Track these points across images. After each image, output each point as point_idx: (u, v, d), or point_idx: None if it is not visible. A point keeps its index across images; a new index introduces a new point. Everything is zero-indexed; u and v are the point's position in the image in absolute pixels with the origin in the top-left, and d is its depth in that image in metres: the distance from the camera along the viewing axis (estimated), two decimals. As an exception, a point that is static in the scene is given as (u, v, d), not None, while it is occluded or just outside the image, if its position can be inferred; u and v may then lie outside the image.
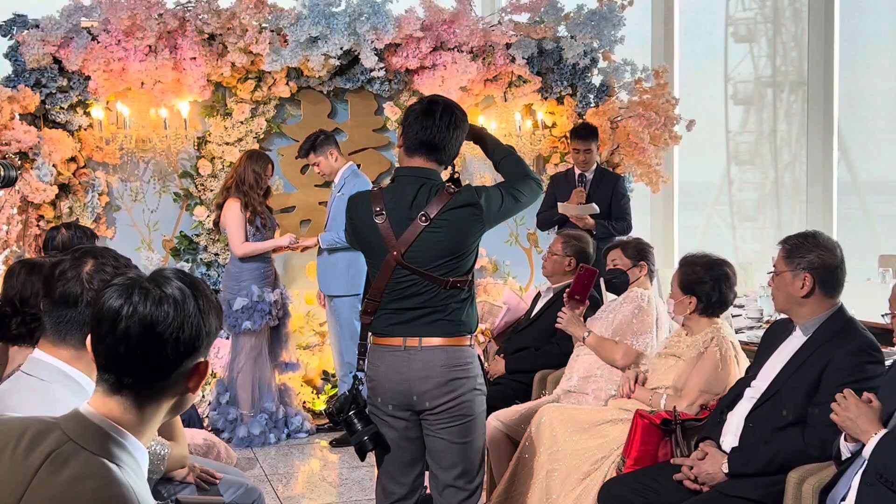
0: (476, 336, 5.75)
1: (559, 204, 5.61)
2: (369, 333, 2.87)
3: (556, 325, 3.90)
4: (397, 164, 2.89)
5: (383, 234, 2.76)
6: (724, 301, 3.43)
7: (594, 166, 5.83)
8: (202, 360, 1.53)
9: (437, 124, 2.77)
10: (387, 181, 6.09)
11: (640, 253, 3.98)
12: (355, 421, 2.83)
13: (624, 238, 4.08)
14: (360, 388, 2.90)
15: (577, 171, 5.80)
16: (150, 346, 1.45)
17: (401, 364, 2.80)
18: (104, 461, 1.42)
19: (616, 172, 6.06)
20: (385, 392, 2.83)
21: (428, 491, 3.86)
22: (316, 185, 6.01)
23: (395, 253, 2.74)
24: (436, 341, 2.79)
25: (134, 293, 1.46)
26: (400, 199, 2.78)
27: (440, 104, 2.81)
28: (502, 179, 2.99)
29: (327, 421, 5.66)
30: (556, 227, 5.75)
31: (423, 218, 2.73)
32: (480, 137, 3.04)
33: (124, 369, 1.47)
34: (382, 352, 2.84)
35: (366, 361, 2.88)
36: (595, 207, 5.53)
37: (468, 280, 2.82)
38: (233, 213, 5.19)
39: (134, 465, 1.47)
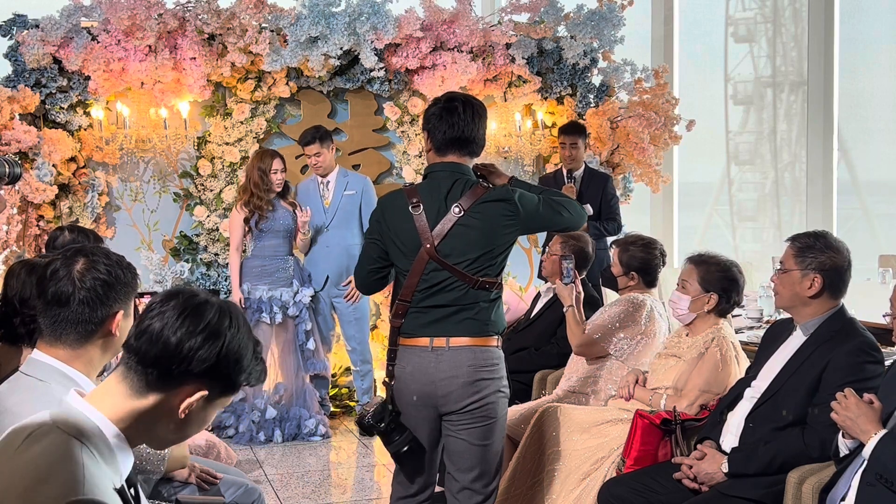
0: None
1: None
2: (399, 335, 2.86)
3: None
4: (426, 164, 2.93)
5: (418, 226, 2.77)
6: (739, 302, 3.45)
7: (582, 166, 5.84)
8: (202, 390, 1.56)
9: (462, 118, 2.81)
10: (388, 180, 6.16)
11: (633, 264, 3.85)
12: (392, 430, 2.83)
13: (629, 238, 4.01)
14: (393, 396, 2.87)
15: (566, 170, 5.80)
16: (155, 338, 1.54)
17: (427, 365, 2.79)
18: (70, 440, 1.47)
19: (605, 173, 6.05)
20: (410, 393, 2.82)
21: (439, 489, 3.89)
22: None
23: (428, 245, 2.75)
24: (464, 341, 2.78)
25: (173, 299, 1.58)
26: (435, 193, 2.80)
27: (459, 100, 2.85)
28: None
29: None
30: None
31: (458, 209, 2.75)
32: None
33: (130, 348, 1.56)
34: (409, 353, 2.82)
35: (395, 365, 2.85)
36: (588, 208, 5.52)
37: (497, 282, 2.83)
38: (234, 215, 5.37)
39: (107, 452, 1.51)
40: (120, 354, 1.77)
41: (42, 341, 2.03)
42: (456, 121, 2.80)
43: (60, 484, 1.41)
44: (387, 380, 2.88)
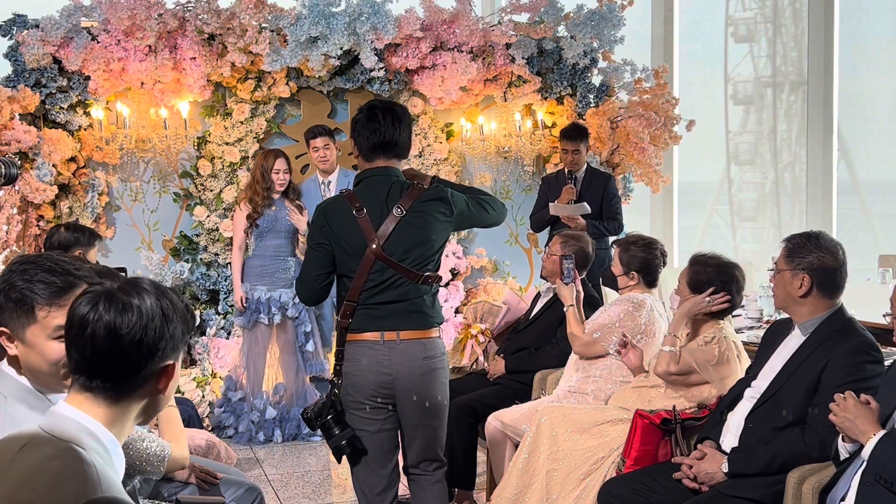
0: (476, 336, 5.80)
1: (550, 204, 5.60)
2: (347, 333, 2.99)
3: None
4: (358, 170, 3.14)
5: (363, 228, 2.92)
6: (731, 304, 3.41)
7: (584, 166, 5.81)
8: (171, 362, 1.60)
9: (382, 125, 2.97)
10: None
11: (634, 264, 3.85)
12: (333, 425, 2.96)
13: (630, 238, 4.00)
14: (336, 392, 3.00)
15: (567, 171, 5.79)
16: (113, 349, 1.54)
17: (383, 357, 2.94)
18: (71, 445, 1.50)
19: (606, 172, 6.05)
20: (368, 385, 2.95)
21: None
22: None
23: (374, 246, 2.91)
24: (413, 334, 2.96)
25: (100, 301, 1.55)
26: (375, 196, 2.97)
27: (378, 107, 3.01)
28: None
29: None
30: (550, 227, 5.75)
31: (399, 210, 2.93)
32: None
33: (93, 371, 1.55)
34: (362, 347, 2.95)
35: (344, 361, 2.98)
36: (586, 207, 5.51)
37: (439, 277, 3.04)
38: (237, 213, 5.42)
39: (103, 452, 1.54)
40: None
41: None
42: (377, 127, 2.96)
43: (76, 485, 1.43)
44: (333, 378, 3.01)
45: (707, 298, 3.33)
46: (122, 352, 1.53)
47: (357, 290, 2.93)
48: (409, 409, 2.99)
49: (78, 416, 1.55)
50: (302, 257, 5.54)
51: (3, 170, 3.16)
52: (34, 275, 1.93)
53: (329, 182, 5.57)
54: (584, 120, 6.23)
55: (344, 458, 3.01)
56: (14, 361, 1.97)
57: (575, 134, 5.72)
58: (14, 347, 1.94)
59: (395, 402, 2.99)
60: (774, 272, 3.02)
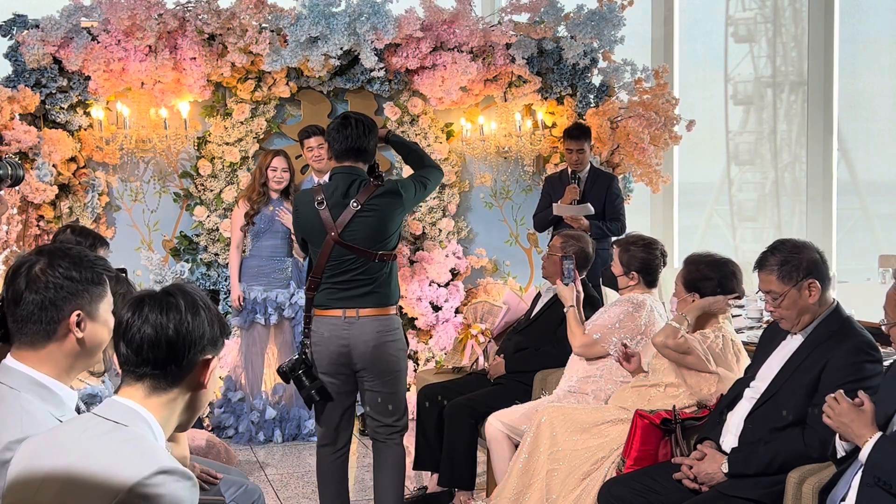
0: (476, 336, 5.80)
1: (554, 205, 5.60)
2: (313, 307, 3.50)
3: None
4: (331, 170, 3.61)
5: (323, 219, 3.42)
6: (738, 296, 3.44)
7: (588, 167, 5.81)
8: (210, 356, 1.77)
9: (354, 132, 3.44)
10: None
11: (634, 264, 3.85)
12: (304, 378, 3.48)
13: (630, 238, 4.00)
14: (307, 352, 3.52)
15: (571, 171, 5.79)
16: (158, 337, 1.72)
17: (342, 332, 3.45)
18: (124, 424, 1.69)
19: (610, 173, 6.04)
20: (329, 354, 3.47)
21: (434, 489, 3.93)
22: (316, 185, 6.02)
23: (333, 234, 3.40)
24: (370, 312, 3.45)
25: (145, 301, 1.75)
26: (336, 192, 3.45)
27: (352, 118, 3.48)
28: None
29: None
30: (553, 227, 5.75)
31: (355, 204, 3.40)
32: (392, 143, 3.74)
33: (140, 359, 1.73)
34: (326, 322, 3.47)
35: (311, 330, 3.50)
36: (590, 208, 5.51)
37: (393, 255, 3.51)
38: (235, 213, 5.46)
39: (150, 434, 1.72)
40: (115, 359, 1.82)
41: (14, 346, 1.99)
42: (349, 134, 3.43)
43: (136, 450, 1.63)
44: (305, 339, 3.53)
45: (729, 301, 3.36)
46: (167, 339, 1.71)
47: (319, 270, 3.45)
48: (364, 376, 3.50)
49: (129, 403, 1.72)
50: (299, 258, 5.56)
51: (10, 171, 3.17)
52: (79, 253, 2.00)
53: (324, 181, 5.57)
54: (584, 120, 6.22)
55: None
56: (28, 356, 1.95)
57: (579, 133, 5.72)
58: (80, 331, 1.95)
59: (353, 370, 3.48)
60: (776, 300, 2.91)
